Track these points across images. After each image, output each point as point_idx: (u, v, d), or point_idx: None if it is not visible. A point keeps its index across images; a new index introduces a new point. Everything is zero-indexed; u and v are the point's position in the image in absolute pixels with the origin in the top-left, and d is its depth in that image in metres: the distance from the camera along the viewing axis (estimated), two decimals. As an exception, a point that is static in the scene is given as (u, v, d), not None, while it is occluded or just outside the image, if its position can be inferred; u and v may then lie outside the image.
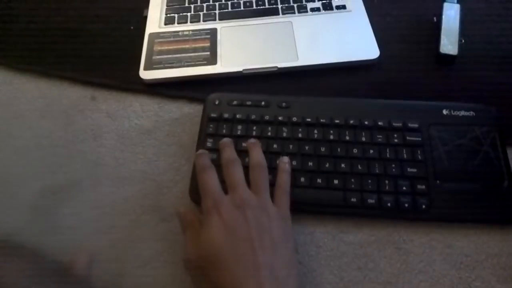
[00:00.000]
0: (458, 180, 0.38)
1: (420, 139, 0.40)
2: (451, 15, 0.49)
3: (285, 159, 0.37)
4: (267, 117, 0.40)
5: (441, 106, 0.42)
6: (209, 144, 0.39)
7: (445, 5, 0.50)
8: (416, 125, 0.40)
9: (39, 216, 0.38)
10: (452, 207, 0.37)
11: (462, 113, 0.41)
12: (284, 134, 0.39)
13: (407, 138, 0.40)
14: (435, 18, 0.50)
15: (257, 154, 0.36)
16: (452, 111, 0.41)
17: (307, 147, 0.39)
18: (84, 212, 0.38)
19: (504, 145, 0.40)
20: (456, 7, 0.50)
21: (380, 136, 0.40)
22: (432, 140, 0.40)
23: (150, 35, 0.49)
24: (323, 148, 0.39)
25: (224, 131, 0.40)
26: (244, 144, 0.38)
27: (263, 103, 0.41)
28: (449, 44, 0.47)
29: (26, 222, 0.37)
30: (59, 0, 0.55)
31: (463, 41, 0.48)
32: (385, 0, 0.53)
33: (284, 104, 0.41)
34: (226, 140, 0.37)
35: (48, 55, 0.49)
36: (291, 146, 0.39)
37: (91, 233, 0.36)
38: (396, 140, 0.39)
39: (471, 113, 0.41)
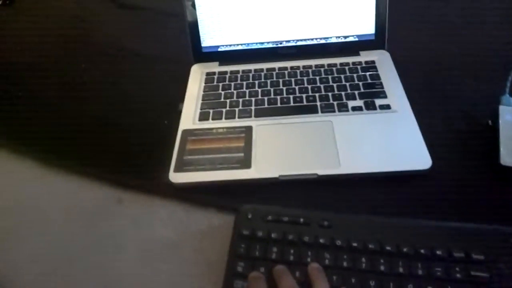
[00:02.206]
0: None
1: (486, 274, 0.34)
2: (508, 119, 0.46)
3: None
4: (306, 238, 0.37)
5: (506, 232, 0.37)
6: (239, 269, 0.35)
7: (501, 108, 0.47)
8: (481, 257, 0.35)
9: None
10: None
11: (536, 242, 0.36)
12: (327, 262, 0.35)
13: (471, 272, 0.34)
14: (490, 122, 0.47)
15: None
16: (523, 240, 0.36)
17: (353, 280, 0.34)
18: None
19: None
20: (514, 111, 0.47)
21: (439, 269, 0.35)
22: (501, 277, 0.34)
23: (183, 132, 0.48)
24: (373, 282, 0.34)
25: (257, 253, 0.36)
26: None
27: (302, 220, 0.38)
28: (510, 155, 0.43)
29: None
30: (92, 92, 0.57)
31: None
32: (431, 100, 0.51)
33: (326, 222, 0.38)
34: (280, 267, 0.34)
35: (79, 150, 0.49)
36: (334, 278, 0.34)
37: None
38: (458, 275, 0.34)
39: (546, 243, 0.36)
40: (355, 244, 0.36)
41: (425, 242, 0.36)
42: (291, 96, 0.52)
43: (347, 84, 0.52)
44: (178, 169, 0.44)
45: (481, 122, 0.48)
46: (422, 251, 0.36)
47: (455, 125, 0.48)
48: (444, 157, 0.44)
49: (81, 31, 0.71)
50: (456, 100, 0.51)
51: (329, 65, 0.55)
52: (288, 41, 0.58)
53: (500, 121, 0.46)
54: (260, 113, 0.50)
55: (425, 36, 0.61)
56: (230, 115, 0.50)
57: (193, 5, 0.55)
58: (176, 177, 0.44)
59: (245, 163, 0.44)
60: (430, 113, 0.49)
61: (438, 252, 0.35)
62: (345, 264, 0.35)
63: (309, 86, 0.53)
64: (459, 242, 0.36)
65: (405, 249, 0.36)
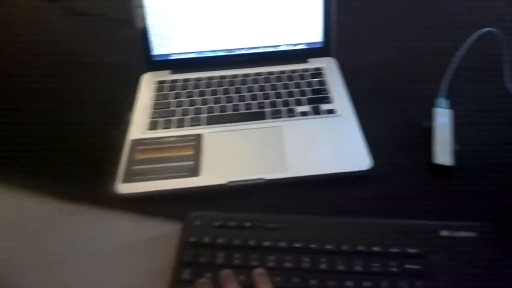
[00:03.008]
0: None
1: (419, 267, 0.37)
2: (443, 121, 0.50)
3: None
4: (251, 242, 0.38)
5: (440, 226, 0.40)
6: (185, 276, 0.36)
7: (436, 110, 0.51)
8: (415, 251, 0.38)
9: None
10: None
11: (463, 234, 0.39)
12: (271, 263, 0.37)
13: (406, 266, 0.37)
14: (426, 124, 0.51)
15: None
16: (451, 233, 0.39)
17: (296, 280, 0.36)
18: None
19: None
20: (448, 113, 0.50)
21: (376, 265, 0.37)
22: (433, 268, 0.37)
23: (133, 141, 0.49)
24: (314, 281, 0.36)
25: (203, 259, 0.37)
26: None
27: (248, 224, 0.39)
28: (442, 153, 0.46)
29: None
30: (39, 100, 0.56)
31: (458, 148, 0.47)
32: (375, 104, 0.54)
33: (271, 225, 0.39)
34: (225, 272, 0.35)
35: (24, 162, 0.48)
36: (278, 279, 0.36)
37: None
38: (394, 269, 0.37)
39: (473, 233, 0.39)
40: (298, 245, 0.38)
41: (363, 239, 0.38)
42: (242, 103, 0.53)
43: (296, 90, 0.55)
44: (126, 179, 0.44)
45: (419, 124, 0.51)
46: (360, 248, 0.38)
47: (395, 128, 0.51)
48: (384, 158, 0.47)
49: (30, 37, 0.69)
50: (398, 103, 0.55)
51: (279, 72, 0.58)
52: (240, 49, 0.59)
53: (434, 123, 0.50)
54: (211, 121, 0.51)
55: (371, 43, 0.65)
56: (181, 124, 0.51)
57: (144, 13, 0.55)
58: (125, 187, 0.44)
59: (194, 171, 0.45)
60: (373, 117, 0.52)
61: (375, 249, 0.38)
62: (288, 265, 0.37)
63: (260, 93, 0.55)
64: (395, 238, 0.39)
65: (344, 247, 0.38)
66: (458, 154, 0.47)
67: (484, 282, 0.36)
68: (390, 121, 0.52)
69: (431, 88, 0.54)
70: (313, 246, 0.38)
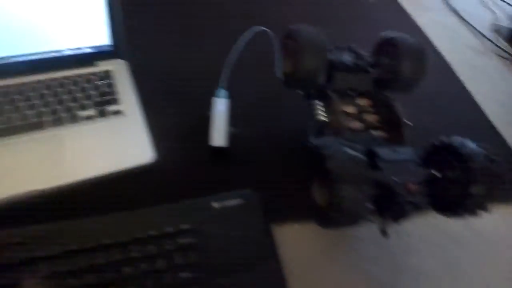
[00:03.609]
0: (232, 273, 0.41)
1: (192, 239, 0.42)
2: (220, 109, 0.57)
3: None
4: (23, 256, 0.37)
5: (210, 199, 0.46)
6: None
7: (215, 100, 0.58)
8: (187, 226, 0.43)
9: None
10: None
11: (231, 202, 0.46)
12: (44, 273, 0.37)
13: (179, 241, 0.42)
14: (209, 113, 0.57)
15: None
16: (221, 203, 0.46)
17: (72, 281, 0.37)
18: None
19: (269, 224, 0.46)
20: (225, 102, 0.58)
21: (153, 247, 0.41)
22: (204, 238, 0.43)
23: None
24: (93, 279, 0.38)
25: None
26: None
27: (16, 240, 0.38)
28: (218, 137, 0.53)
29: None
30: None
31: (233, 130, 0.55)
32: (165, 101, 0.58)
33: (41, 233, 0.39)
34: None
35: None
36: (53, 282, 0.36)
37: None
38: (168, 247, 0.41)
39: (239, 200, 0.47)
40: (73, 248, 0.39)
41: (140, 227, 0.42)
42: (16, 115, 0.50)
43: (81, 95, 0.54)
44: None
45: (204, 115, 0.58)
46: (137, 236, 0.41)
47: (182, 121, 0.57)
48: (170, 150, 0.51)
49: None
50: (185, 99, 0.60)
51: (63, 78, 0.56)
52: (18, 56, 0.55)
53: (213, 110, 0.57)
54: (-22, 136, 0.47)
55: (161, 45, 0.69)
56: None
57: None
58: None
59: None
60: (162, 113, 0.56)
61: (151, 233, 0.42)
62: (63, 268, 0.38)
63: (38, 102, 0.52)
64: (170, 219, 0.43)
65: (121, 239, 0.40)
66: (233, 136, 0.54)
67: (251, 242, 0.44)
68: (177, 116, 0.57)
69: (214, 83, 0.61)
70: (89, 245, 0.39)
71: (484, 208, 0.41)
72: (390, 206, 0.40)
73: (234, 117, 0.56)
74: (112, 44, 0.60)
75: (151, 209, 0.44)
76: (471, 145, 0.41)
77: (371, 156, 0.42)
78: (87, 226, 0.41)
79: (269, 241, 0.45)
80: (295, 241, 0.47)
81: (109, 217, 0.43)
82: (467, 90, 0.74)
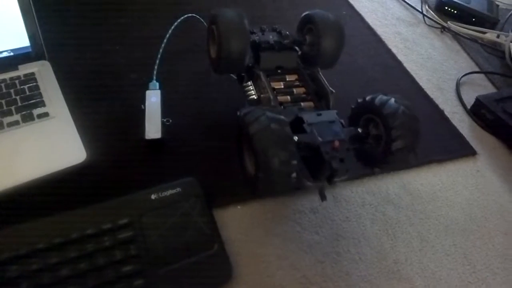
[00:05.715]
0: (175, 261, 0.43)
1: (131, 233, 0.43)
2: (153, 101, 0.57)
3: None
4: None
5: (149, 192, 0.47)
6: None
7: (148, 92, 0.58)
8: (125, 221, 0.44)
9: None
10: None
11: (170, 192, 0.47)
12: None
13: (118, 236, 0.43)
14: (143, 106, 0.58)
15: None
16: (160, 194, 0.47)
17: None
18: None
19: (210, 209, 0.48)
20: (157, 93, 0.58)
21: (91, 245, 0.41)
22: (145, 230, 0.44)
23: None
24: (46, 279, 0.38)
25: None
26: None
27: None
28: (153, 129, 0.54)
29: None
30: None
31: (169, 122, 0.56)
32: (94, 99, 0.58)
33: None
34: None
35: None
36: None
37: None
38: (107, 244, 0.42)
39: (178, 189, 0.48)
40: (6, 255, 0.39)
41: (77, 227, 0.42)
42: None
43: (2, 101, 0.53)
44: None
45: (138, 109, 0.58)
46: (74, 236, 0.41)
47: (116, 117, 0.56)
48: (104, 147, 0.51)
49: None
50: (117, 94, 0.59)
51: (-17, 85, 0.55)
52: None
53: (146, 103, 0.57)
54: None
55: (87, 42, 0.67)
56: None
57: None
58: None
59: None
60: (92, 112, 0.56)
61: (88, 231, 0.42)
62: (14, 274, 0.38)
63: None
64: (108, 216, 0.44)
65: (56, 240, 0.41)
66: (167, 127, 0.55)
67: (192, 228, 0.45)
68: (109, 113, 0.57)
69: (145, 75, 0.61)
70: (24, 251, 0.39)
71: (406, 161, 0.45)
72: (321, 167, 0.43)
73: (168, 108, 0.57)
74: (31, 45, 0.59)
75: (87, 208, 0.44)
76: (392, 103, 0.45)
77: (298, 122, 0.44)
78: (21, 232, 0.41)
79: (211, 226, 0.46)
80: (239, 222, 0.49)
81: (45, 220, 0.42)
82: (399, 61, 0.79)
